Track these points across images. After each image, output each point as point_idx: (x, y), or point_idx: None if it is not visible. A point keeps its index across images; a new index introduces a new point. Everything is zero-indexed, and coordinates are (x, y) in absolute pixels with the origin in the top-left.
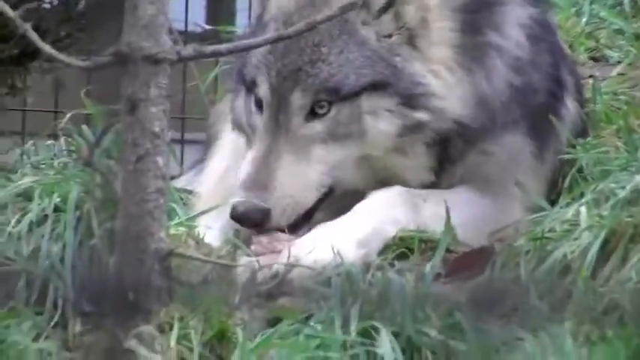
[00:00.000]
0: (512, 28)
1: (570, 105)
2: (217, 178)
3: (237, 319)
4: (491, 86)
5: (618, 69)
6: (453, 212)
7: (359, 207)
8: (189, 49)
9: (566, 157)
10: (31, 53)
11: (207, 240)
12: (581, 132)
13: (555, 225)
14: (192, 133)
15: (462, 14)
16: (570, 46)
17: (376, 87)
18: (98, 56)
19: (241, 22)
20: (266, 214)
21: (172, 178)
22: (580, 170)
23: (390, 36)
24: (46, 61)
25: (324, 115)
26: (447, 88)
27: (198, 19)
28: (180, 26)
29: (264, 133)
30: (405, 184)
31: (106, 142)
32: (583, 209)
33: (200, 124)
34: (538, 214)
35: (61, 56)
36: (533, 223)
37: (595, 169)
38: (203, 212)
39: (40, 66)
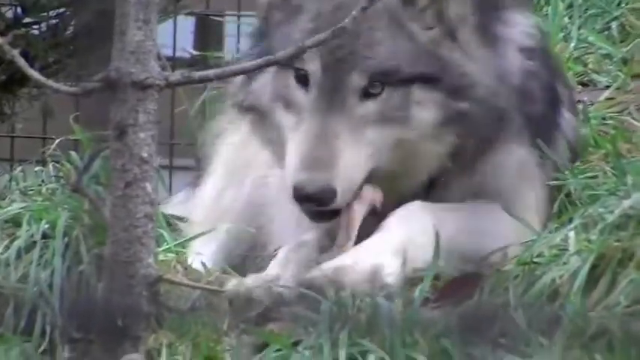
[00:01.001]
0: (518, 25)
1: (567, 116)
2: (210, 202)
3: (225, 345)
4: (507, 63)
5: (606, 94)
6: (476, 224)
7: (386, 223)
8: (177, 75)
9: (555, 182)
10: (19, 79)
11: (195, 266)
12: (575, 146)
13: (544, 250)
14: (181, 158)
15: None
16: None
17: (427, 79)
18: (87, 82)
19: (229, 48)
20: (334, 193)
21: (161, 203)
22: (568, 195)
23: (431, 29)
24: (35, 88)
25: (377, 95)
26: (482, 72)
27: (186, 45)
28: (169, 52)
29: (316, 111)
30: (414, 176)
31: (94, 167)
32: (572, 234)
33: (189, 150)
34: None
35: (50, 82)
36: (522, 248)
37: (583, 193)
38: (192, 238)
39: (29, 92)
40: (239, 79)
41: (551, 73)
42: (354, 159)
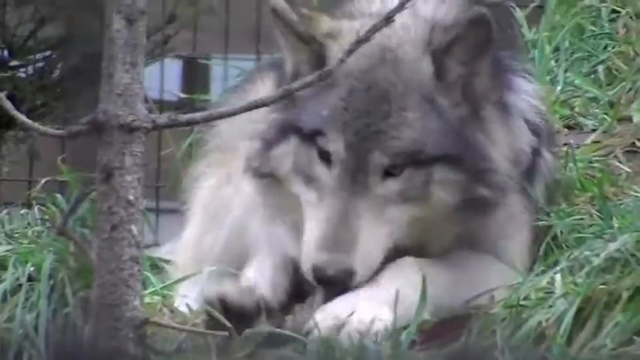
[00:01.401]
0: (523, 92)
1: (546, 156)
2: (191, 245)
3: None
4: (519, 141)
5: (593, 137)
6: (461, 275)
7: (378, 278)
8: (164, 118)
9: (541, 223)
10: (6, 122)
11: (181, 308)
12: (552, 184)
13: (530, 292)
14: (167, 201)
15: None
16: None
17: (449, 160)
18: (73, 125)
19: (216, 90)
20: (352, 275)
21: (147, 246)
22: (555, 238)
23: (459, 105)
24: (21, 130)
25: (398, 174)
26: (502, 157)
27: (173, 88)
28: (156, 95)
29: (338, 189)
30: (431, 249)
31: (80, 210)
32: (558, 277)
33: (175, 193)
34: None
35: (36, 125)
36: (508, 291)
37: (570, 236)
38: (177, 281)
39: (15, 135)
40: (258, 145)
41: (535, 111)
42: (374, 239)
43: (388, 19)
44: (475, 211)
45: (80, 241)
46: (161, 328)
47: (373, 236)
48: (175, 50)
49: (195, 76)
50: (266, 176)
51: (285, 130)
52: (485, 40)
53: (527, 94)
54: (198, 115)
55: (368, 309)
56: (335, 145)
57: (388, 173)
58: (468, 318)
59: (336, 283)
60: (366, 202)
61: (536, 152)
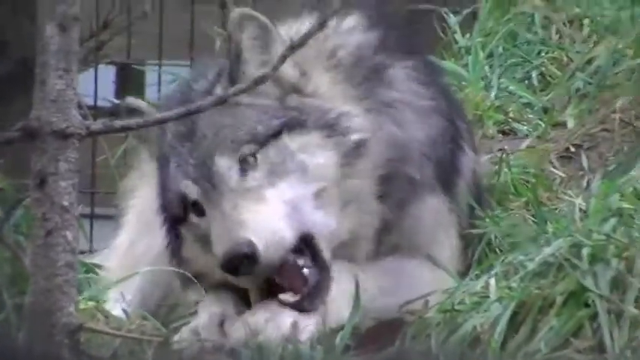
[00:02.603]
0: (405, 81)
1: (467, 151)
2: (124, 251)
3: None
4: (403, 132)
5: (527, 142)
6: (393, 281)
7: None
8: (98, 124)
9: (475, 230)
10: None
11: (115, 312)
12: (477, 181)
13: (465, 297)
14: (102, 207)
15: (349, 77)
16: (479, 120)
17: (291, 127)
18: (7, 131)
19: (151, 97)
20: (251, 245)
21: (82, 252)
22: (489, 243)
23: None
24: None
25: (254, 165)
26: (354, 117)
27: (107, 94)
28: (90, 101)
29: (214, 208)
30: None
31: (15, 216)
32: (492, 281)
33: (110, 199)
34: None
35: None
36: (443, 295)
37: (504, 241)
38: (113, 284)
39: None
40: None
41: (450, 107)
42: (264, 217)
43: (322, 24)
44: (364, 166)
45: (15, 247)
46: (96, 334)
47: (260, 215)
48: (109, 57)
49: (129, 83)
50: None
51: (171, 229)
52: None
53: (411, 83)
54: (132, 121)
55: (289, 314)
56: (191, 189)
57: (245, 167)
58: (402, 322)
59: (241, 256)
60: (238, 198)
61: (455, 143)
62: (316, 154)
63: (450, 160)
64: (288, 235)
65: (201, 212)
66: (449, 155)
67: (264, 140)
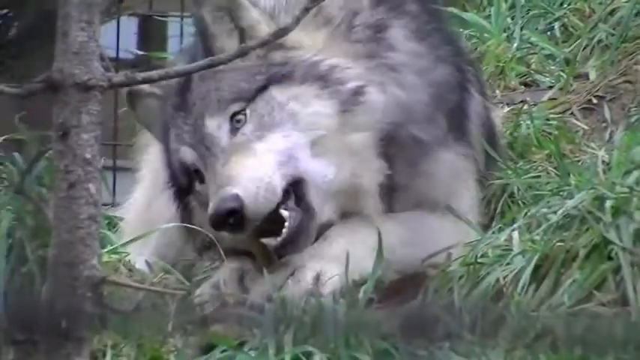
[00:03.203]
0: (405, 42)
1: (475, 95)
2: (140, 209)
3: (170, 346)
4: (407, 94)
5: (549, 94)
6: (414, 233)
7: (327, 234)
8: (120, 76)
9: (498, 182)
10: None
11: (138, 266)
12: (487, 125)
13: (488, 250)
14: (125, 160)
15: (350, 38)
16: (501, 72)
17: (279, 80)
18: (29, 83)
19: (173, 49)
20: (237, 198)
21: (104, 205)
22: (512, 195)
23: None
24: None
25: (244, 122)
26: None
27: (129, 46)
28: (112, 53)
29: (209, 170)
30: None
31: (37, 169)
32: (515, 234)
33: (132, 151)
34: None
35: None
36: (466, 248)
37: (527, 194)
38: (133, 240)
39: None
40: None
41: (454, 52)
42: (253, 169)
43: (307, 9)
44: (365, 121)
45: (37, 200)
46: (119, 287)
47: (249, 168)
48: (131, 8)
49: (151, 34)
50: None
51: (180, 199)
52: None
53: (412, 45)
54: (154, 73)
55: (312, 266)
56: (189, 154)
57: (236, 126)
58: (425, 276)
59: (227, 211)
60: (231, 154)
61: (463, 88)
62: (311, 104)
63: (459, 106)
64: (277, 184)
65: (202, 179)
66: (458, 101)
67: (251, 96)
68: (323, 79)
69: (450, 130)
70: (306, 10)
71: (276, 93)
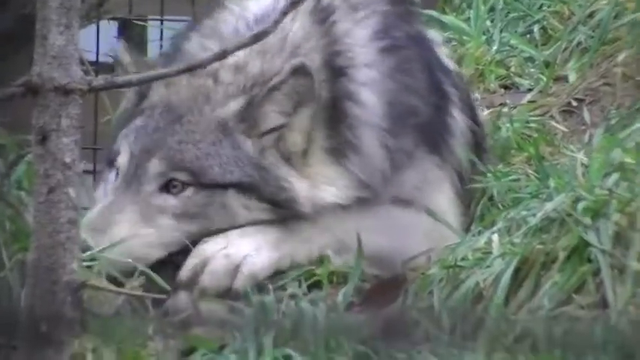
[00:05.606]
0: (366, 89)
1: (457, 116)
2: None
3: (150, 350)
4: (366, 167)
5: (529, 97)
6: (376, 236)
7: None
8: (100, 80)
9: (477, 185)
10: None
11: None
12: (475, 144)
13: (468, 253)
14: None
15: (325, 115)
16: (481, 75)
17: (243, 187)
18: (8, 87)
19: (153, 52)
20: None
21: (84, 209)
22: (491, 198)
23: (264, 150)
24: None
25: (177, 193)
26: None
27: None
28: (92, 57)
29: (115, 190)
30: None
31: (17, 173)
32: (495, 237)
33: None
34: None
35: None
36: (445, 251)
37: (506, 196)
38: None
39: None
40: None
41: (433, 77)
42: (127, 232)
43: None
44: None
45: (17, 204)
46: (99, 291)
47: (132, 229)
48: (111, 12)
49: (131, 38)
50: None
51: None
52: (306, 90)
53: (374, 104)
54: (134, 76)
55: (239, 246)
56: (122, 156)
57: (168, 188)
58: (405, 279)
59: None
60: (136, 203)
61: (441, 110)
62: (255, 213)
63: (434, 122)
64: (151, 255)
65: (116, 173)
66: (433, 119)
67: (207, 185)
68: (275, 204)
69: (423, 142)
70: (284, 14)
71: (233, 200)
